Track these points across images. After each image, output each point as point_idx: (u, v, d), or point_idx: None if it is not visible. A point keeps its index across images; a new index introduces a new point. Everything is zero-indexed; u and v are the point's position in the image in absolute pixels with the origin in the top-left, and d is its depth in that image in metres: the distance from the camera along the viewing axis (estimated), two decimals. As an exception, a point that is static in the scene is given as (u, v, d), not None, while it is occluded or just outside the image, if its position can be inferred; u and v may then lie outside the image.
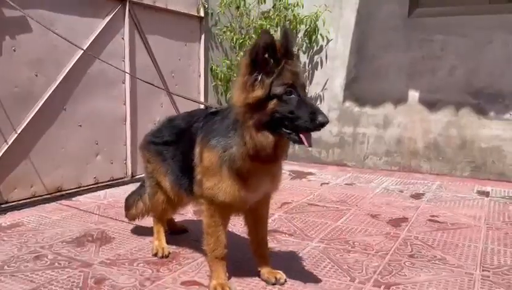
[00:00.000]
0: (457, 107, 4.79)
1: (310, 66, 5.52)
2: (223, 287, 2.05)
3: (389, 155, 5.20)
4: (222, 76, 5.21)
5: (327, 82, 5.44)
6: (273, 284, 2.18)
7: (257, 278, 2.24)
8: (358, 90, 5.30)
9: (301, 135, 1.86)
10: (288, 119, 1.84)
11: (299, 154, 5.66)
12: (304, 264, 2.45)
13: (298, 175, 4.88)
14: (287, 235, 2.93)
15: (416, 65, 4.93)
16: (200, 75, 5.12)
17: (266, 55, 1.83)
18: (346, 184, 4.50)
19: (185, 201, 2.50)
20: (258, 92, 1.83)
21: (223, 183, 1.98)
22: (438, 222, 3.26)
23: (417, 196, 4.03)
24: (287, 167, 5.31)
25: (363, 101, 5.27)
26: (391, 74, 5.06)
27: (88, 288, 2.11)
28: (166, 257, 2.51)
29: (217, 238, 2.10)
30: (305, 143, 1.86)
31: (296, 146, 5.65)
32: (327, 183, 4.51)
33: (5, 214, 3.22)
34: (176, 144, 2.40)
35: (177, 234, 2.90)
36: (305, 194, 4.03)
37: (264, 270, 2.24)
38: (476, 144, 4.75)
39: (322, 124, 1.83)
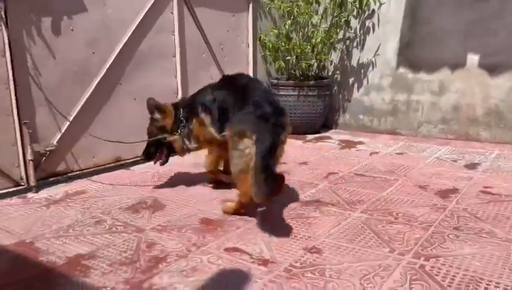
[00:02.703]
0: (521, 70, 4.46)
1: (361, 31, 5.34)
2: None
3: (444, 123, 4.99)
4: (270, 45, 5.20)
5: (379, 47, 5.25)
6: None
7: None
8: (412, 55, 5.07)
9: None
10: None
11: (350, 123, 5.59)
12: (344, 234, 2.49)
13: (347, 144, 4.84)
14: (329, 205, 2.97)
15: (475, 26, 4.60)
16: (248, 46, 5.14)
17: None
18: (397, 153, 4.41)
19: None
20: None
21: None
22: (491, 193, 3.14)
23: (472, 166, 3.87)
24: (336, 136, 5.28)
25: (417, 66, 5.05)
26: (447, 37, 4.77)
27: (140, 251, 2.31)
28: None
29: None
30: None
31: (347, 115, 5.59)
32: (377, 153, 4.45)
33: (70, 182, 3.53)
34: None
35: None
36: (353, 164, 4.02)
37: None
38: (542, 110, 4.43)
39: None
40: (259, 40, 5.23)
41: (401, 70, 5.18)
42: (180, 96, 4.42)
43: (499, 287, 1.91)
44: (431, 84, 5.00)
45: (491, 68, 4.60)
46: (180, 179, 3.61)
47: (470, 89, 4.78)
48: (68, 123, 3.53)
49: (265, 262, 2.18)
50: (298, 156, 4.24)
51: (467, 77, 4.77)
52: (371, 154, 4.41)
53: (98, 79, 3.69)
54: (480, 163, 3.97)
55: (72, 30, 3.48)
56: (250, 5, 5.04)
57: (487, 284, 1.93)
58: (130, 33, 3.86)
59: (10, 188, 3.22)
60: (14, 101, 3.15)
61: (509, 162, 3.98)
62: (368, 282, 1.96)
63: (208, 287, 1.97)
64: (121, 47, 3.82)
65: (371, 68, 5.37)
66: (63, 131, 3.50)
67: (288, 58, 5.24)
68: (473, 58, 4.69)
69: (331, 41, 5.25)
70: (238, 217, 2.77)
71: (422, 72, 5.03)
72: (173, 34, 4.29)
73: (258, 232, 2.54)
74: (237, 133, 2.60)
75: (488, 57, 4.61)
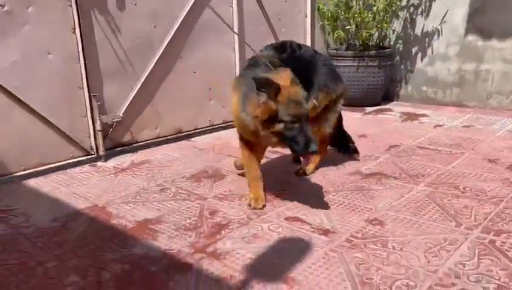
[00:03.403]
0: None
1: (426, -3, 5.05)
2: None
3: (518, 94, 4.65)
4: (329, 15, 5.06)
5: (446, 14, 4.93)
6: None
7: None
8: (483, 21, 4.72)
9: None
10: (289, 142, 2.24)
11: (412, 95, 5.36)
12: (407, 207, 2.43)
13: (410, 117, 4.66)
14: (391, 178, 2.89)
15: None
16: (306, 16, 5.03)
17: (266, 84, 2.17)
18: (463, 126, 4.19)
19: None
20: (264, 113, 2.21)
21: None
22: None
23: (548, 140, 3.60)
24: (398, 108, 5.09)
25: (488, 33, 4.70)
26: (525, -1, 4.39)
27: (204, 218, 2.39)
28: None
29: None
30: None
31: (409, 86, 5.37)
32: (441, 126, 4.25)
33: (136, 152, 3.70)
34: None
35: None
36: (416, 137, 3.87)
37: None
38: None
39: (312, 152, 2.24)
40: (318, 9, 5.10)
41: (470, 38, 4.85)
42: (238, 69, 4.44)
43: None
44: (503, 51, 4.65)
45: None
46: (238, 151, 3.66)
47: (549, 56, 4.39)
48: (132, 95, 3.67)
49: (325, 232, 2.18)
50: (357, 129, 4.15)
51: (546, 44, 4.38)
52: (434, 127, 4.22)
53: (160, 52, 3.79)
54: (558, 136, 3.68)
55: (135, 5, 3.57)
56: (309, -26, 4.90)
57: None
58: (190, 6, 3.91)
59: (82, 156, 3.43)
60: (84, 75, 3.32)
61: None
62: (433, 255, 1.91)
63: (269, 253, 2.01)
64: (181, 20, 3.87)
65: (436, 36, 5.07)
66: (128, 103, 3.65)
67: (347, 27, 5.07)
68: (553, 23, 4.29)
69: (393, 8, 5.01)
70: (297, 189, 2.78)
71: (494, 39, 4.68)
72: (231, 7, 4.28)
73: (318, 203, 2.54)
74: (342, 94, 2.93)
75: None
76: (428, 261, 1.87)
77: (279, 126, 2.20)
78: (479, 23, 4.76)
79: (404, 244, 2.02)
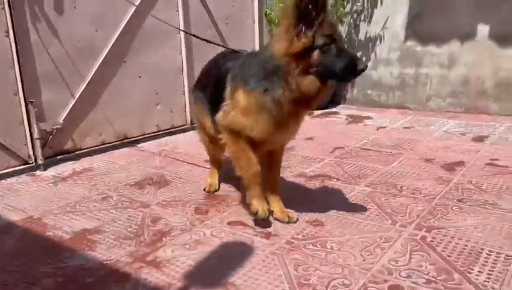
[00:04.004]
0: (533, 41, 4.35)
1: (368, 4, 5.23)
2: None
3: (453, 96, 4.91)
4: (276, 20, 5.12)
5: (387, 20, 5.14)
6: (287, 222, 2.32)
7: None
8: (421, 27, 4.97)
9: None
10: (332, 68, 1.94)
11: (358, 98, 5.54)
12: (346, 208, 2.50)
13: (355, 119, 4.80)
14: (334, 179, 2.97)
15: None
16: (254, 21, 5.07)
17: (310, 7, 1.87)
18: (404, 128, 4.37)
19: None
20: (303, 42, 1.90)
21: (260, 123, 2.10)
22: (498, 166, 3.11)
23: (480, 139, 3.83)
24: (344, 111, 5.24)
25: (426, 39, 4.95)
26: (458, 7, 4.66)
27: (145, 226, 2.35)
28: (212, 192, 2.77)
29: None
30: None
31: (355, 90, 5.54)
32: (384, 128, 4.41)
33: (78, 160, 3.58)
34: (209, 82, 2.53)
35: None
36: (359, 139, 4.00)
37: (277, 210, 2.38)
38: (554, 82, 4.33)
39: (362, 70, 1.98)
40: (266, 14, 5.16)
41: (409, 43, 5.09)
42: (185, 73, 4.41)
43: (500, 257, 1.91)
44: (440, 57, 4.90)
45: (503, 39, 4.49)
46: (185, 156, 3.64)
47: (480, 61, 4.68)
48: (74, 101, 3.55)
49: (267, 235, 2.20)
50: (305, 132, 4.22)
51: (477, 49, 4.66)
52: (378, 129, 4.38)
53: (103, 57, 3.69)
54: (488, 136, 3.92)
55: (75, 7, 3.47)
56: (255, -21, 4.95)
57: (488, 254, 1.93)
58: (133, 10, 3.83)
59: (19, 166, 3.27)
60: (19, 81, 3.17)
61: (519, 134, 3.92)
62: (369, 253, 1.98)
63: (210, 259, 2.00)
64: (124, 25, 3.80)
65: (378, 42, 5.28)
66: (68, 109, 3.53)
67: (294, 33, 5.16)
68: (483, 30, 4.58)
69: (338, 14, 5.16)
70: (242, 193, 2.79)
71: (431, 45, 4.94)
72: (177, 11, 4.24)
73: (262, 206, 2.55)
74: None
75: (499, 28, 4.49)
76: (364, 260, 1.93)
77: (315, 55, 1.92)
78: (417, 29, 5.00)
79: (342, 244, 2.07)
